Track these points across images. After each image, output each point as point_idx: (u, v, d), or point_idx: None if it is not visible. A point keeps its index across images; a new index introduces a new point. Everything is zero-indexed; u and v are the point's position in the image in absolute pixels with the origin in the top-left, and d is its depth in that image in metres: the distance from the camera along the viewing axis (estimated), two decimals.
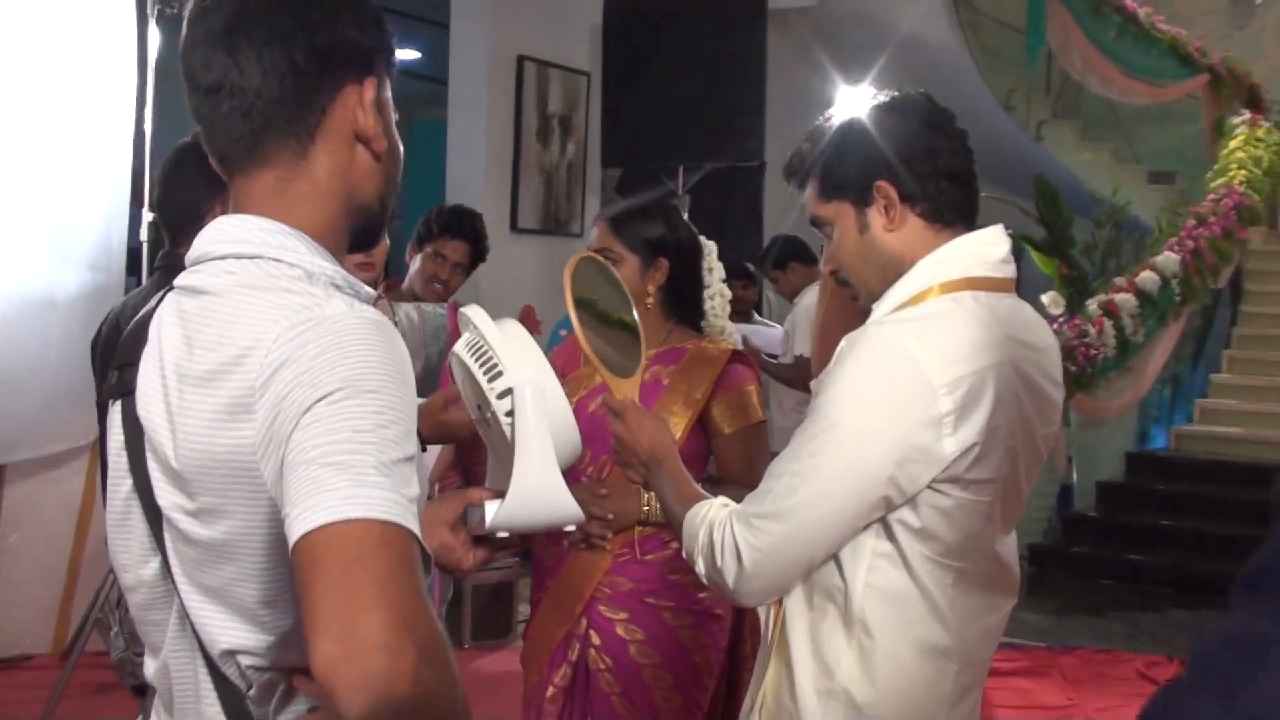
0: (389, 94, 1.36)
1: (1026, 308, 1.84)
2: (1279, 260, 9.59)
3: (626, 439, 1.95)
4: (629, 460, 1.98)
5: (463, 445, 3.44)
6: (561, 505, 1.57)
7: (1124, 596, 6.99)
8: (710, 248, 2.88)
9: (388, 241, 3.00)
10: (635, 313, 2.08)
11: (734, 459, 2.67)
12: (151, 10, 4.58)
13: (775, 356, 5.88)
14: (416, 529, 1.09)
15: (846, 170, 1.82)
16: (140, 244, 4.60)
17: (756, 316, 6.63)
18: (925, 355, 1.64)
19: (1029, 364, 1.75)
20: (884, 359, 1.66)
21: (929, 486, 1.65)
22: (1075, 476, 8.07)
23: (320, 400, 1.10)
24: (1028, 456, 1.76)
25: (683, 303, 2.78)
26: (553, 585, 2.71)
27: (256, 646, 1.24)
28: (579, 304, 1.95)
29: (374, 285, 3.04)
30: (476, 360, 1.64)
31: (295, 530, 1.06)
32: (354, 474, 1.07)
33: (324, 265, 1.27)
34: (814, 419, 1.69)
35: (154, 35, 4.59)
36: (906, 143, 1.77)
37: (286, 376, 1.13)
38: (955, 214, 1.79)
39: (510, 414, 1.59)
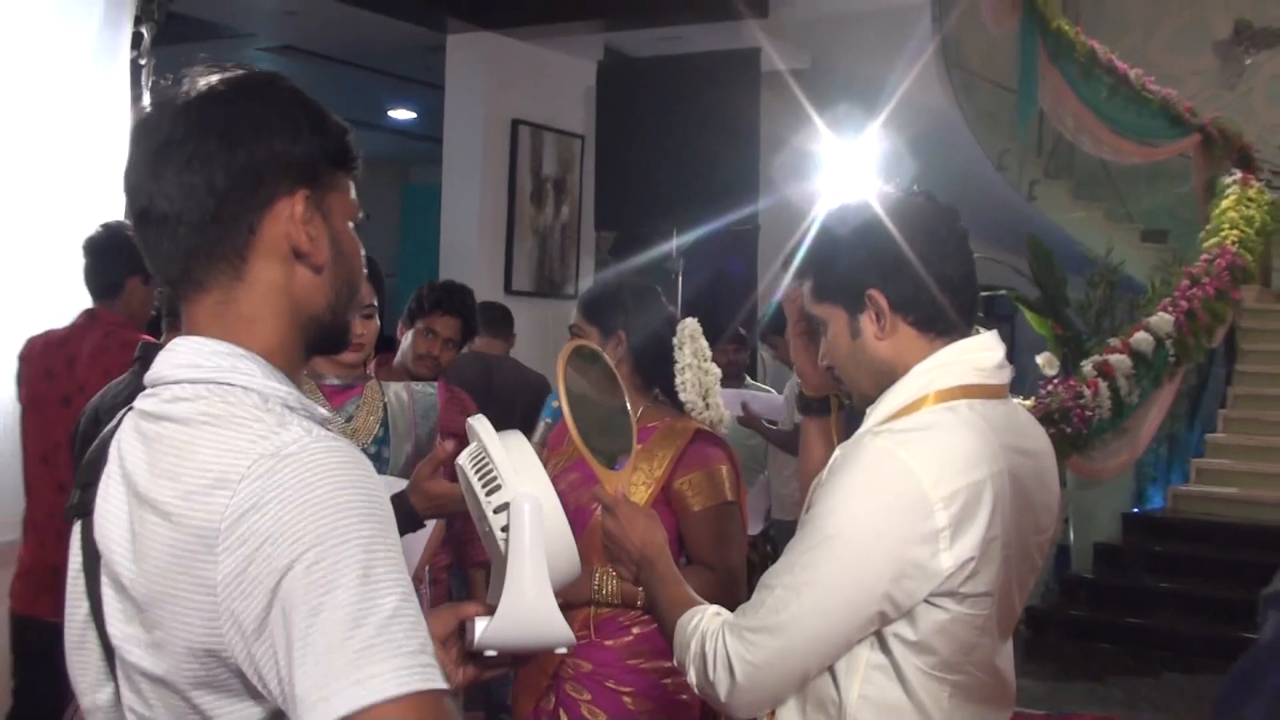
0: (344, 194, 1.32)
1: (1021, 412, 1.82)
2: (1274, 319, 9.59)
3: (617, 535, 1.92)
4: (619, 557, 1.95)
5: (455, 520, 3.41)
6: (551, 627, 1.54)
7: (1122, 661, 6.93)
8: (686, 324, 2.87)
9: (378, 321, 2.98)
10: (629, 405, 2.06)
11: (701, 538, 2.66)
12: (146, 82, 4.59)
13: (774, 423, 5.85)
14: (435, 676, 1.08)
15: (839, 275, 1.80)
16: None
17: (749, 380, 6.61)
18: (921, 469, 1.62)
19: (1024, 471, 1.73)
20: (879, 472, 1.64)
21: (925, 600, 1.63)
22: (1072, 538, 8.04)
23: (298, 561, 1.08)
24: (1021, 566, 1.74)
25: (656, 379, 2.79)
26: (525, 661, 2.71)
27: None
28: (571, 394, 1.93)
29: (364, 364, 3.02)
30: (477, 473, 1.62)
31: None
32: (357, 651, 1.05)
33: (276, 387, 1.23)
34: (808, 531, 1.67)
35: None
36: (901, 251, 1.75)
37: (257, 527, 1.11)
38: (949, 323, 1.77)
39: (506, 529, 1.56)
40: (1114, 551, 8.09)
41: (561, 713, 2.66)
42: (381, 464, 2.90)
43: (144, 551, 1.18)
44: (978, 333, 1.81)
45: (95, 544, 1.25)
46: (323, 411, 1.26)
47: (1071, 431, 7.19)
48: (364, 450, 2.87)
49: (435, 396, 3.17)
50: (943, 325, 1.76)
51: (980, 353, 1.76)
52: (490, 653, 1.56)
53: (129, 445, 1.25)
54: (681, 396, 2.80)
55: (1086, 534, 8.04)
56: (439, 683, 1.08)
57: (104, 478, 1.27)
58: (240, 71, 1.29)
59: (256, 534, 1.10)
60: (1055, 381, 7.38)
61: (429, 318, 3.81)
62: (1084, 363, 7.59)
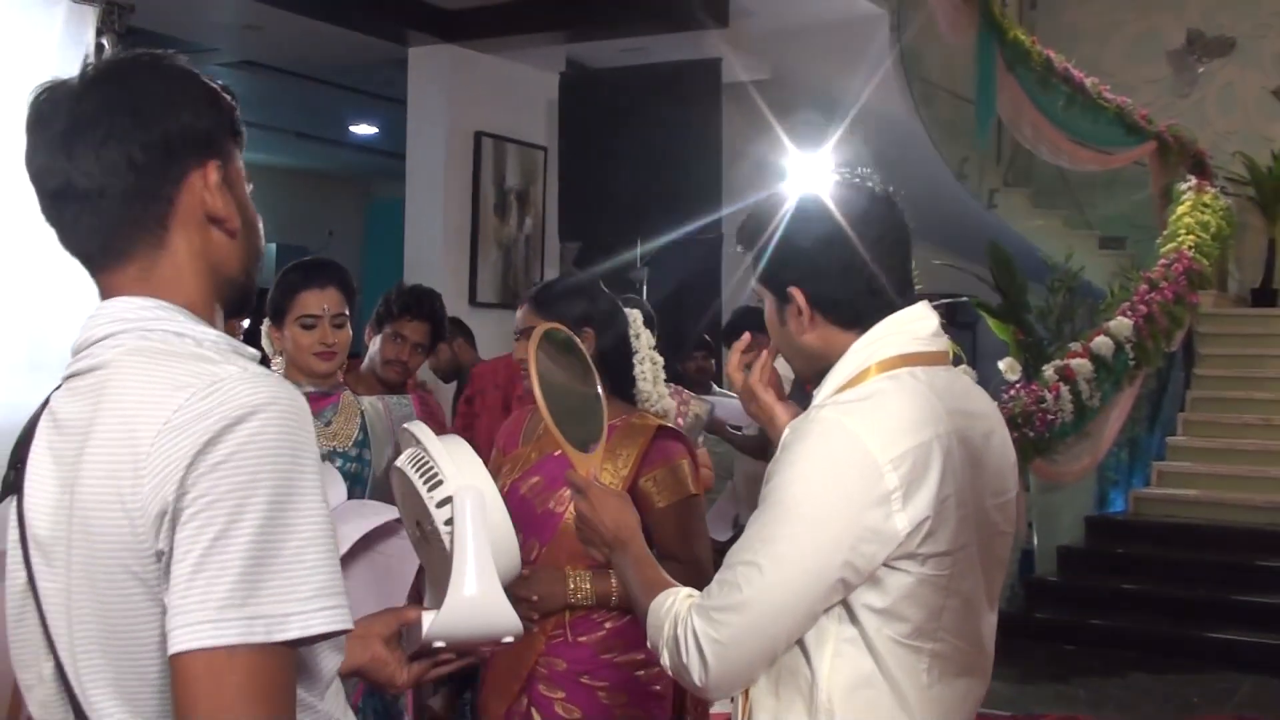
0: (239, 165, 1.38)
1: (963, 377, 1.86)
2: (1230, 323, 9.73)
3: (589, 517, 1.94)
4: (591, 539, 1.96)
5: None
6: (500, 616, 1.57)
7: (1088, 662, 6.98)
8: (635, 315, 2.90)
9: (350, 331, 2.98)
10: (599, 387, 2.08)
11: (668, 534, 2.67)
12: None
13: (739, 428, 5.87)
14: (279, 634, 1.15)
15: (769, 267, 1.85)
16: None
17: (715, 388, 6.62)
18: (867, 434, 1.65)
19: (972, 432, 1.76)
20: (827, 442, 1.68)
21: (886, 565, 1.66)
22: (1036, 542, 8.10)
23: (220, 490, 1.14)
24: (985, 529, 1.77)
25: (612, 374, 2.80)
26: (493, 664, 2.73)
27: None
28: (543, 379, 1.95)
29: (335, 372, 3.02)
30: (417, 471, 1.65)
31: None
32: (228, 590, 1.13)
33: (207, 331, 1.29)
34: (765, 508, 1.70)
35: None
36: (822, 255, 1.79)
37: (183, 448, 1.15)
38: (871, 319, 1.80)
39: (449, 523, 1.59)
40: (1077, 554, 8.17)
41: (534, 712, 2.66)
42: (363, 465, 2.92)
43: (80, 503, 1.21)
44: None
45: (24, 517, 1.29)
46: (253, 350, 1.32)
47: (1034, 435, 7.25)
48: (345, 453, 2.91)
49: (411, 407, 3.19)
50: (867, 322, 1.80)
51: (916, 322, 1.80)
52: (438, 644, 1.59)
53: (61, 410, 1.29)
54: (641, 386, 2.82)
55: (1050, 537, 8.11)
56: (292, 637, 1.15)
57: (31, 452, 1.30)
58: (130, 54, 1.35)
59: (180, 456, 1.15)
60: (1017, 386, 7.44)
61: (397, 322, 3.80)
62: (1045, 367, 7.66)
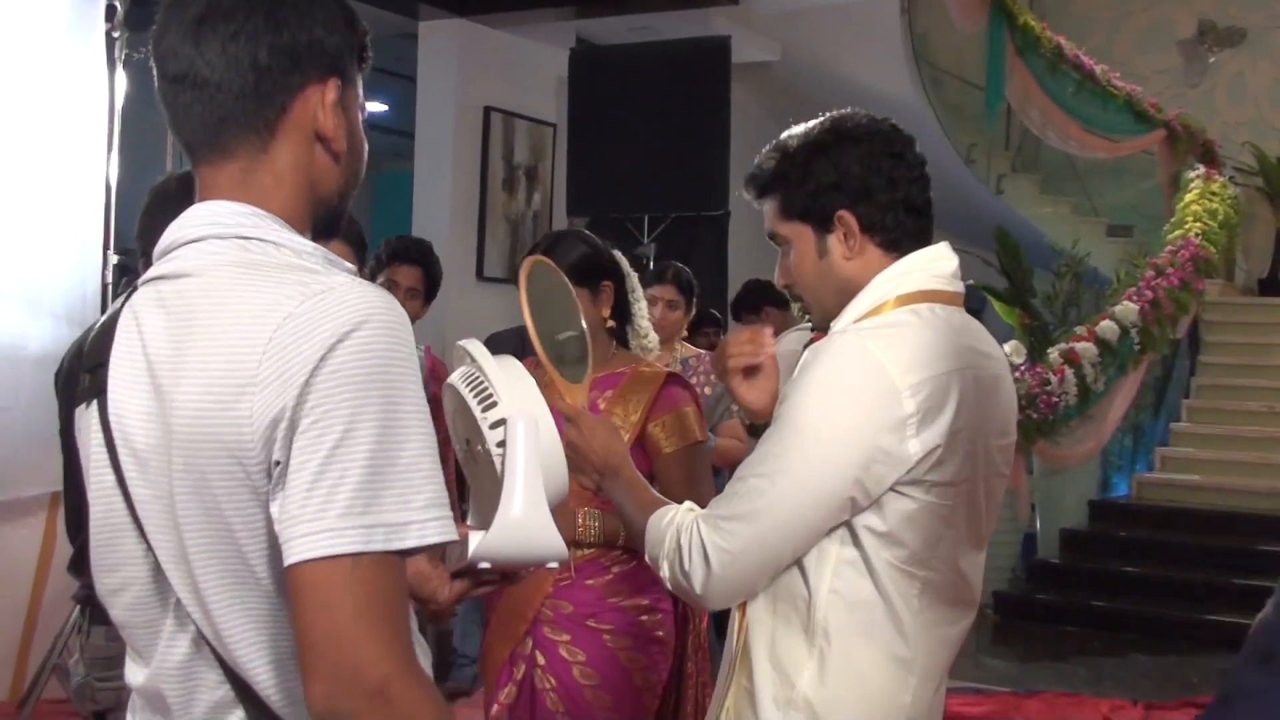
0: (358, 90, 1.38)
1: (975, 320, 1.88)
2: (1235, 311, 9.74)
3: (580, 445, 1.95)
4: (582, 467, 1.98)
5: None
6: (546, 539, 1.57)
7: (1088, 643, 7.00)
8: (630, 273, 2.94)
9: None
10: (584, 320, 2.10)
11: (675, 479, 2.70)
12: (120, 54, 4.60)
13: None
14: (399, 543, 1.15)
15: (810, 197, 1.84)
16: (106, 284, 4.59)
17: None
18: (888, 359, 1.68)
19: (985, 372, 1.79)
20: (848, 363, 1.70)
21: (892, 489, 1.68)
22: (1039, 524, 8.12)
23: (334, 412, 1.14)
24: (987, 467, 1.79)
25: (622, 323, 2.85)
26: (498, 606, 2.75)
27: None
28: (533, 309, 1.96)
29: None
30: (471, 390, 1.65)
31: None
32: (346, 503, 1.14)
33: (304, 243, 1.29)
34: (781, 423, 1.72)
35: (120, 80, 4.61)
36: (869, 174, 1.80)
37: (304, 354, 1.15)
38: (911, 242, 1.83)
39: (501, 445, 1.59)
40: (1080, 537, 8.18)
41: (539, 655, 2.69)
42: None
43: (179, 410, 1.20)
44: None
45: (110, 421, 1.27)
46: (349, 265, 1.31)
47: (1038, 417, 7.26)
48: None
49: (423, 359, 3.19)
50: (907, 245, 1.83)
51: (937, 261, 1.83)
52: (484, 565, 1.60)
53: (148, 316, 1.27)
54: (645, 336, 2.86)
55: (1053, 520, 8.12)
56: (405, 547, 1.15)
57: (113, 356, 1.29)
58: None
59: (301, 361, 1.15)
60: (1022, 368, 7.45)
61: (389, 269, 3.82)
62: (1050, 350, 7.67)
